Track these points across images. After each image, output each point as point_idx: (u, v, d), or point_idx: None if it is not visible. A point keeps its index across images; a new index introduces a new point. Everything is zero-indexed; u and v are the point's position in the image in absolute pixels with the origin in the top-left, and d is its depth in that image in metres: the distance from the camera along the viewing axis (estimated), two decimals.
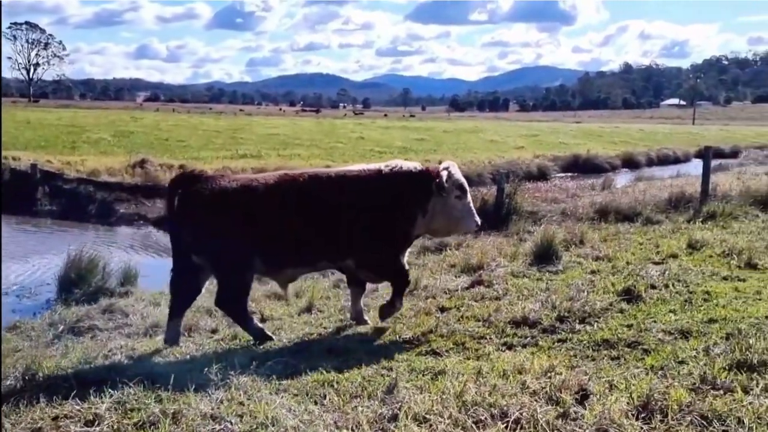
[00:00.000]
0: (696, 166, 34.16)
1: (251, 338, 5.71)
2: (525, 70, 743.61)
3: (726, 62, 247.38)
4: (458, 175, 6.07)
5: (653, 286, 6.50)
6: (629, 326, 5.26)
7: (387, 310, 6.09)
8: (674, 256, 8.32)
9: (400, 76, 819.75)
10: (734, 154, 41.39)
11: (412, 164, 6.18)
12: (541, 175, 27.90)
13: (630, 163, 36.91)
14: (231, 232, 5.49)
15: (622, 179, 24.92)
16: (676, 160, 40.65)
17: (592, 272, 7.54)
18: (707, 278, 6.86)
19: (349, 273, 6.23)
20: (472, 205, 6.26)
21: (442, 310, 6.37)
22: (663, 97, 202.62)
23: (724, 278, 6.85)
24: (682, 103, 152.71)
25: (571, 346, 4.94)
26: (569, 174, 30.30)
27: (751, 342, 4.36)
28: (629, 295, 6.10)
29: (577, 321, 5.49)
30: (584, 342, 4.98)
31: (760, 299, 5.91)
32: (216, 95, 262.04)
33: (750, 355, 4.13)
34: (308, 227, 5.66)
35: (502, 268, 8.03)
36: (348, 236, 5.80)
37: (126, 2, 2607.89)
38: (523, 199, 13.06)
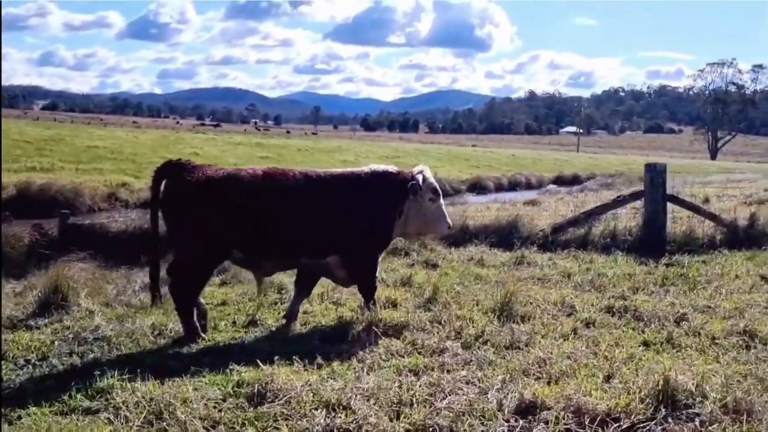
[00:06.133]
0: (540, 192, 34.29)
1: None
2: (439, 93, 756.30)
3: (623, 93, 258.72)
4: (432, 179, 6.26)
5: None
6: None
7: None
8: None
9: (316, 94, 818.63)
10: (588, 180, 42.11)
11: (388, 167, 6.35)
12: None
13: (478, 187, 36.43)
14: (214, 221, 5.47)
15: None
16: (528, 186, 40.80)
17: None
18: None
19: (313, 272, 6.20)
20: (444, 208, 6.42)
21: None
22: (563, 124, 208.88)
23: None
24: (579, 130, 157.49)
25: None
26: None
27: None
28: None
29: None
30: None
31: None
32: (120, 106, 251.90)
33: None
34: (294, 222, 5.69)
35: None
36: (334, 233, 5.85)
37: (32, 8, 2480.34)
38: None
